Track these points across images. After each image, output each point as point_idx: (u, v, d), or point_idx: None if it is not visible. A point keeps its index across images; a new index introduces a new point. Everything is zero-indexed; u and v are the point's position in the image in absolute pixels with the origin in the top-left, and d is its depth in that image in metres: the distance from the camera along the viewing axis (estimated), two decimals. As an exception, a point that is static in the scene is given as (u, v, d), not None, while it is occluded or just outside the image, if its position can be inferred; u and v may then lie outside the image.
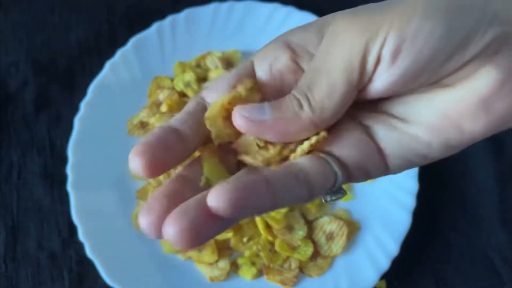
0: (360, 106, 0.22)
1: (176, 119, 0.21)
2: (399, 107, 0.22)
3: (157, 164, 0.19)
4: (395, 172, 0.22)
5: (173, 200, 0.19)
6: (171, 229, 0.17)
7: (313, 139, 0.20)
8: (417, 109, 0.21)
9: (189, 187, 0.20)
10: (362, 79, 0.20)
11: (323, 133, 0.21)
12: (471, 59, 0.19)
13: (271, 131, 0.20)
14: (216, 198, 0.17)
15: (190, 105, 0.22)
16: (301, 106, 0.20)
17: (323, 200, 0.22)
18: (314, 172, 0.20)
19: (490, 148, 0.51)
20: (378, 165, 0.21)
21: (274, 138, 0.20)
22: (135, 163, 0.19)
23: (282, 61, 0.22)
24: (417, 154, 0.21)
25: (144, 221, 0.18)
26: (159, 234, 0.18)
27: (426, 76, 0.20)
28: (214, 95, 0.21)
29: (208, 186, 0.19)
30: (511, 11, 0.19)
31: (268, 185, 0.18)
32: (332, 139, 0.21)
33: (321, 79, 0.20)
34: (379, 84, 0.20)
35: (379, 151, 0.21)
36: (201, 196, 0.18)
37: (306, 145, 0.20)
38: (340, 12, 0.21)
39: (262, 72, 0.22)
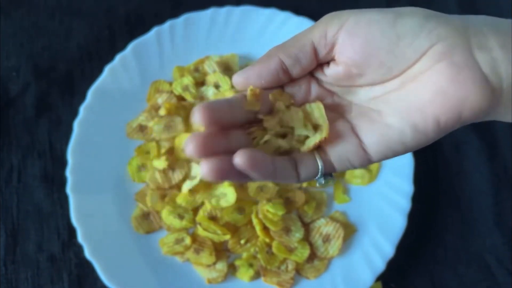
0: (347, 107, 0.27)
1: (229, 98, 0.26)
2: (377, 103, 0.26)
3: (210, 120, 0.24)
4: (378, 160, 0.26)
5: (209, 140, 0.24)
6: (206, 166, 0.24)
7: (317, 139, 0.26)
8: (389, 102, 0.25)
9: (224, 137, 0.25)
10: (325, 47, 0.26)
11: (325, 135, 0.25)
12: (421, 51, 0.24)
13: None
14: (239, 160, 0.23)
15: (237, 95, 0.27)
16: None
17: (317, 184, 0.27)
18: (303, 164, 0.26)
19: (484, 151, 0.51)
20: (360, 156, 0.26)
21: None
22: (196, 116, 0.24)
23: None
24: (394, 141, 0.25)
25: (190, 145, 0.24)
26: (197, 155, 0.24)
27: (381, 55, 0.24)
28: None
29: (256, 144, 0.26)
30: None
31: (273, 163, 0.25)
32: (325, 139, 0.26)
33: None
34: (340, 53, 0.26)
35: (361, 144, 0.26)
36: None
37: (312, 143, 0.26)
38: None
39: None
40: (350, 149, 0.26)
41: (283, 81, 0.27)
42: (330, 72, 0.27)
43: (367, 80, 0.26)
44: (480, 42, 0.23)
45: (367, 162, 0.26)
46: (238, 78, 0.27)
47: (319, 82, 0.28)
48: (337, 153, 0.26)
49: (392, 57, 0.24)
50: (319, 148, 0.26)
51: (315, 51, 0.26)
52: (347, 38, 0.25)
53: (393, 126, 0.25)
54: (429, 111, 0.24)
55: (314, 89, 0.27)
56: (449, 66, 0.23)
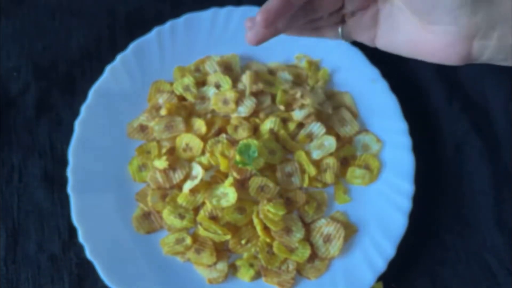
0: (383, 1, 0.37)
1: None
2: (403, 14, 0.35)
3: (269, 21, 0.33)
4: (378, 46, 0.38)
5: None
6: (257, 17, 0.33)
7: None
8: (406, 27, 0.35)
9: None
10: None
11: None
12: (442, 23, 0.32)
13: None
14: None
15: None
16: None
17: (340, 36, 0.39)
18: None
19: (485, 151, 0.51)
20: (370, 42, 0.38)
21: None
22: (257, 18, 0.33)
23: None
24: (394, 50, 0.37)
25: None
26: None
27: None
28: None
29: None
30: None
31: None
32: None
33: None
34: None
35: (373, 38, 0.38)
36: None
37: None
38: None
39: None
40: (367, 37, 0.38)
41: None
42: None
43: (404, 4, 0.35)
44: (486, 34, 0.32)
45: (372, 45, 0.39)
46: None
47: None
48: (361, 36, 0.39)
49: (425, 13, 0.33)
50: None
51: None
52: None
53: (399, 43, 0.36)
54: (425, 54, 0.35)
55: None
56: (450, 44, 0.33)
